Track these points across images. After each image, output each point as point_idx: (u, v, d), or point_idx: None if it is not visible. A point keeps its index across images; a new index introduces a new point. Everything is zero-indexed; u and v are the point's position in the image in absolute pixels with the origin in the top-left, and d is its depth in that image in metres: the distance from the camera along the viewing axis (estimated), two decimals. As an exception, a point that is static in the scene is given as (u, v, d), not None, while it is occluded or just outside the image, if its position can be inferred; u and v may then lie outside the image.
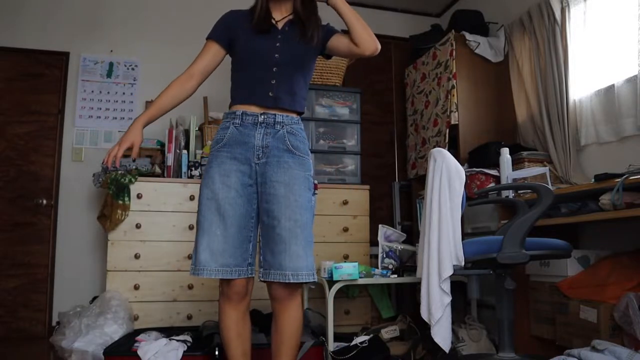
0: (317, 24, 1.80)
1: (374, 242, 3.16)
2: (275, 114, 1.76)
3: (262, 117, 1.75)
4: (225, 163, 1.73)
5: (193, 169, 3.19)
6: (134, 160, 1.75)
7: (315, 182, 1.86)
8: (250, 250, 1.75)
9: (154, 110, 1.77)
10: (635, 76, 2.47)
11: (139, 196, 2.99)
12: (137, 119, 1.76)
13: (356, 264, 2.54)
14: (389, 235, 2.94)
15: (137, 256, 2.94)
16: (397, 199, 4.05)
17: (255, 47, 1.77)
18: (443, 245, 1.98)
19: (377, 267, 2.80)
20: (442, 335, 2.02)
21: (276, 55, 1.76)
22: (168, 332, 2.63)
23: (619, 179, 1.97)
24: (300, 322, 1.75)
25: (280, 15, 1.82)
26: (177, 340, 2.37)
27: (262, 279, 1.72)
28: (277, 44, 1.77)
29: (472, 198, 2.82)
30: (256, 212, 1.76)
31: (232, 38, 1.81)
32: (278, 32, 1.79)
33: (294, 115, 1.81)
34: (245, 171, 1.73)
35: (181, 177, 3.17)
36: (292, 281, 1.65)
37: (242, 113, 1.76)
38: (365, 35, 1.74)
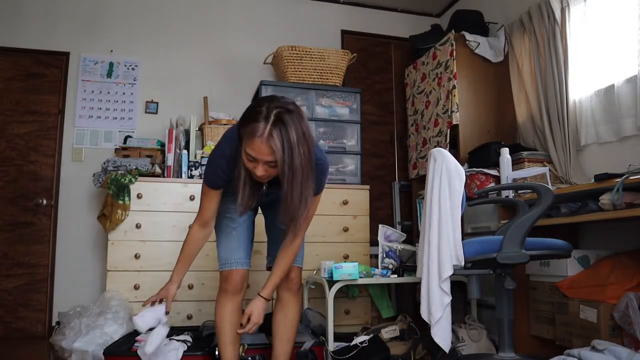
0: None
1: (374, 242, 3.16)
2: None
3: None
4: None
5: (193, 169, 3.19)
6: (166, 313, 1.92)
7: None
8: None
9: (183, 267, 1.93)
10: (635, 76, 2.47)
11: (139, 196, 3.00)
12: (171, 279, 1.91)
13: (356, 264, 2.54)
14: (389, 235, 2.94)
15: (137, 256, 2.94)
16: (397, 199, 4.05)
17: None
18: (443, 245, 1.97)
19: (377, 267, 2.80)
20: (442, 335, 2.01)
21: None
22: (168, 332, 2.62)
23: (619, 179, 1.97)
24: None
25: None
26: (177, 340, 2.36)
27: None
28: None
29: (472, 198, 2.81)
30: None
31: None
32: None
33: None
34: None
35: (181, 177, 3.17)
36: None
37: None
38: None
